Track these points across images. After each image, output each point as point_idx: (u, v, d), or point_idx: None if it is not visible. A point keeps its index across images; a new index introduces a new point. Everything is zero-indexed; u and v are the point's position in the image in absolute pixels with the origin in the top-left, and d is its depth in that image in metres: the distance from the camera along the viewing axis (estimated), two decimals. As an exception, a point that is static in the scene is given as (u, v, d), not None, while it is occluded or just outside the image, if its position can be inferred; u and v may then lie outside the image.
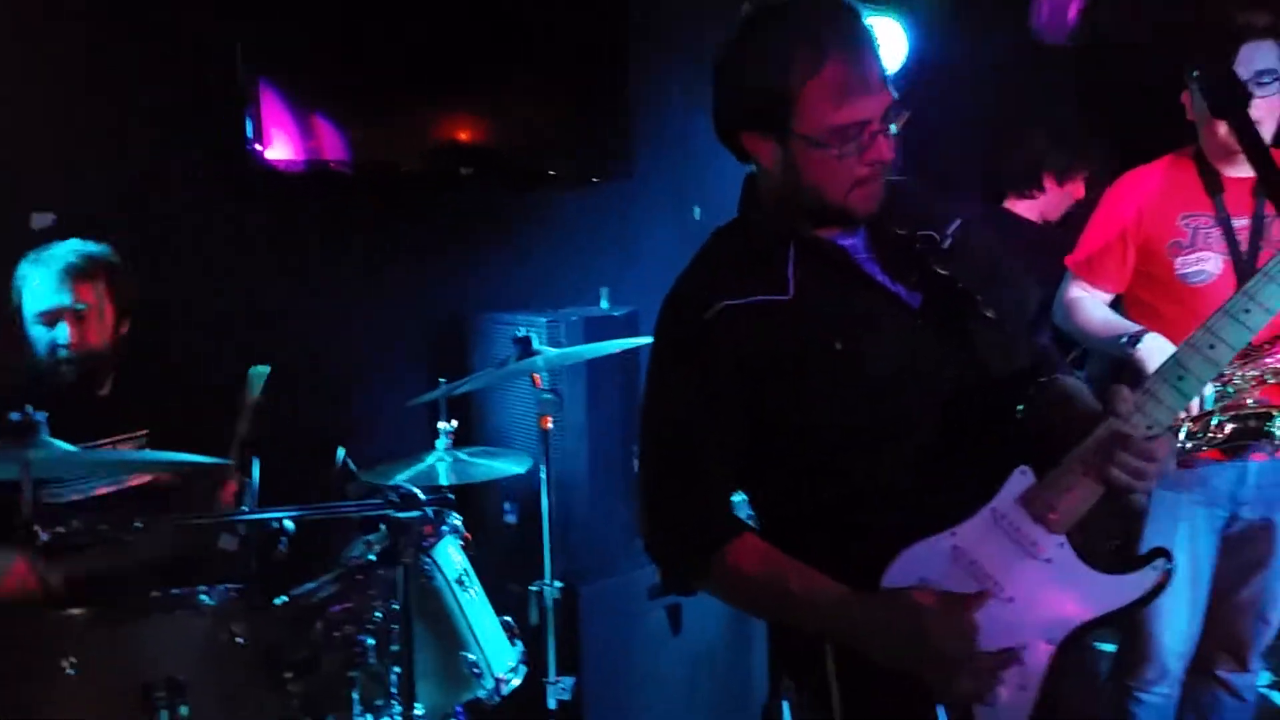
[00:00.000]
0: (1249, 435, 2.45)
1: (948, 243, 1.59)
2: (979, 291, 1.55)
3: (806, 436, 1.52)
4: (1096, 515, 1.45)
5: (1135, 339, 2.44)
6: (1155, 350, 2.40)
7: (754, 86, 1.47)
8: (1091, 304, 2.64)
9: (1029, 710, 1.42)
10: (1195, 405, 2.42)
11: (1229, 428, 2.44)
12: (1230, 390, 2.42)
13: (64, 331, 2.45)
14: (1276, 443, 2.45)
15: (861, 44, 1.46)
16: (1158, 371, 1.44)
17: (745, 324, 1.50)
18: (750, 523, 1.60)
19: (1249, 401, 2.42)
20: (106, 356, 2.53)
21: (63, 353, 2.44)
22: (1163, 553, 1.45)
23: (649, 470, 1.60)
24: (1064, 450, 1.43)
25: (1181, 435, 2.43)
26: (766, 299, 1.51)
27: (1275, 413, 2.41)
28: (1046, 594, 1.43)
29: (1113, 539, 2.65)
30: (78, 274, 2.47)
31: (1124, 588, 1.44)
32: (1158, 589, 1.43)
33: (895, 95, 1.47)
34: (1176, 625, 2.60)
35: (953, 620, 1.37)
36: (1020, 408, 1.50)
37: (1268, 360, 2.40)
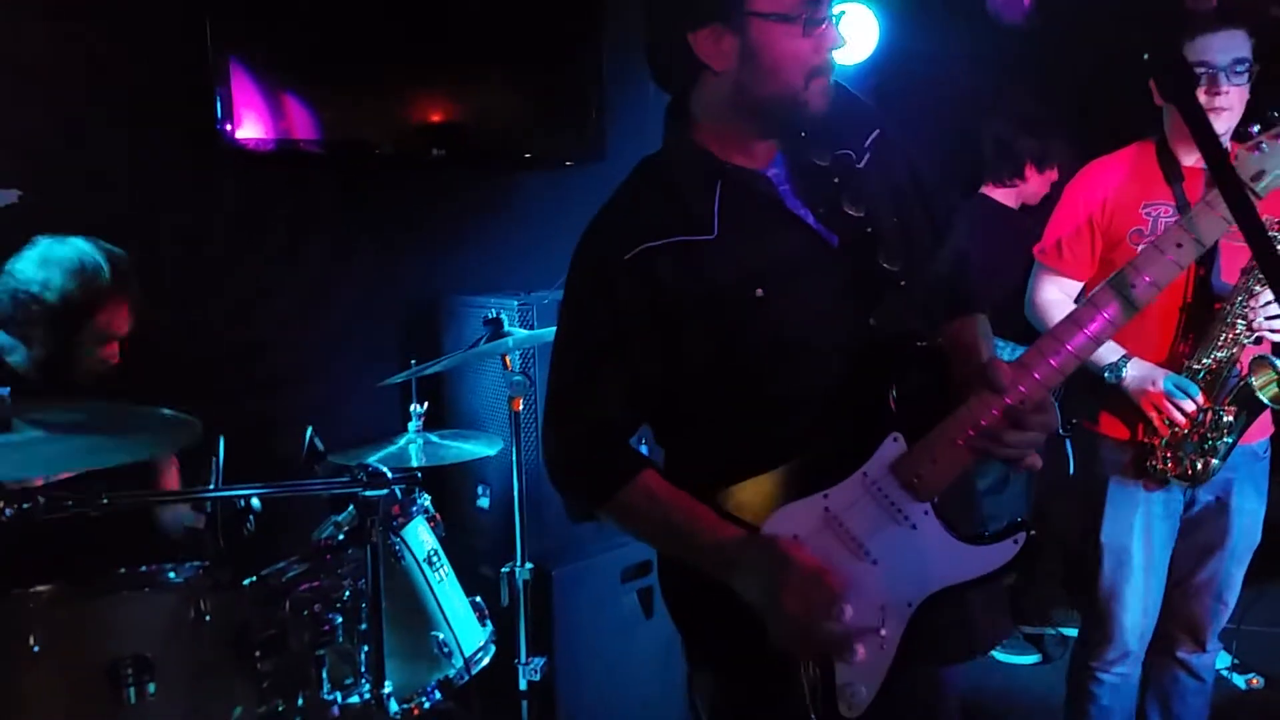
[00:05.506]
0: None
1: (865, 159, 1.61)
2: (894, 216, 1.59)
3: (713, 379, 1.54)
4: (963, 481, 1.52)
5: (1117, 369, 2.50)
6: (1140, 377, 2.48)
7: None
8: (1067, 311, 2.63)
9: (886, 668, 1.47)
10: (1191, 405, 2.44)
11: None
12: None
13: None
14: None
15: None
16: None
17: (665, 266, 1.51)
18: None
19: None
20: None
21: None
22: (1023, 526, 1.49)
23: (555, 402, 1.61)
24: (938, 417, 1.47)
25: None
26: (688, 239, 1.51)
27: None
28: (909, 559, 1.48)
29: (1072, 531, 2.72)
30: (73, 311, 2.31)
31: (983, 557, 1.50)
32: (1017, 561, 1.48)
33: None
34: (1136, 606, 2.65)
35: (808, 584, 1.39)
36: (894, 390, 1.52)
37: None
